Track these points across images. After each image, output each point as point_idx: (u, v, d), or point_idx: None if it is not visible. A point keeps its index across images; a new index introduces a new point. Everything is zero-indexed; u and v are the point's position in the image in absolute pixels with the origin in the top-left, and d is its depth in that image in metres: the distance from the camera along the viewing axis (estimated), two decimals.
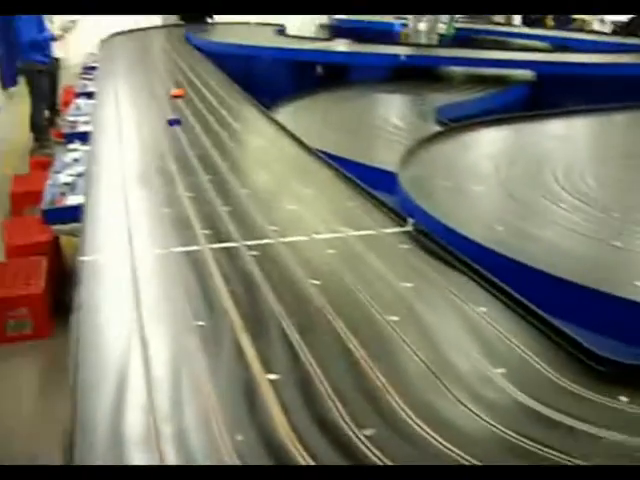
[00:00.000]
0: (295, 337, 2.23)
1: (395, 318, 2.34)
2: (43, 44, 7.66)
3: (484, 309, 2.42)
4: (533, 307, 2.34)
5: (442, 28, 10.96)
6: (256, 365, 2.06)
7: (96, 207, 3.66)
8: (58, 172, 4.70)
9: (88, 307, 2.50)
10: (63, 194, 4.19)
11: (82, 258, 3.02)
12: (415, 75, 8.66)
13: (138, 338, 2.23)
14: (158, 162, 4.45)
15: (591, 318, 2.62)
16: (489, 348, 2.18)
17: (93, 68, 9.38)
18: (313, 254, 2.95)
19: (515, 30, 14.07)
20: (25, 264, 4.59)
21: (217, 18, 14.38)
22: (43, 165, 6.09)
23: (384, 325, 2.31)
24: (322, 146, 5.06)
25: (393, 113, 6.71)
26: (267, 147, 4.76)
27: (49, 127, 8.00)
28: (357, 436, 1.75)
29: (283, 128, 5.19)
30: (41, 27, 7.66)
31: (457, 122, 6.09)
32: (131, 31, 13.08)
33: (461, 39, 12.26)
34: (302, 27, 15.88)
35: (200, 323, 2.30)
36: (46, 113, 8.20)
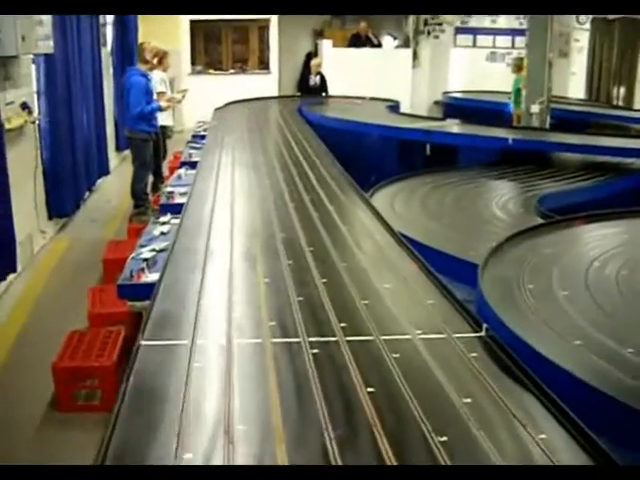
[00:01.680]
0: (334, 451, 2.10)
1: (444, 439, 2.19)
2: (149, 115, 7.85)
3: (544, 436, 2.23)
4: (597, 440, 2.15)
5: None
6: None
7: (168, 289, 3.63)
8: (143, 245, 4.72)
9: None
10: (142, 270, 4.19)
11: (142, 342, 2.98)
12: (526, 159, 8.49)
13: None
14: (243, 245, 4.43)
15: None
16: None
17: (202, 137, 9.57)
18: (375, 357, 2.82)
19: (632, 114, 13.66)
20: (103, 334, 4.61)
21: (332, 91, 14.52)
22: (139, 232, 6.16)
23: (431, 447, 2.16)
24: (413, 233, 4.97)
25: (493, 201, 6.54)
26: (356, 234, 4.67)
27: (149, 194, 8.16)
28: None
29: (376, 213, 5.11)
30: (149, 99, 7.86)
31: (559, 213, 5.90)
32: (246, 100, 13.37)
33: (578, 123, 12.05)
34: (417, 103, 16.01)
35: None
36: (150, 179, 8.37)
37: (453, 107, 14.82)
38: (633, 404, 2.54)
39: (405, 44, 16.76)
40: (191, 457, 2.11)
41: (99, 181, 9.78)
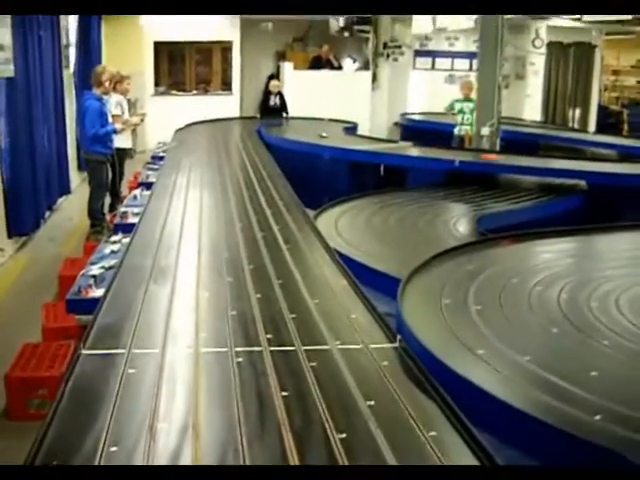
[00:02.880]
0: (244, 448, 2.38)
1: (343, 436, 2.47)
2: (104, 137, 8.11)
3: (434, 433, 2.52)
4: (478, 437, 2.44)
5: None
6: None
7: (111, 303, 3.90)
8: (93, 263, 4.98)
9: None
10: (90, 286, 4.45)
11: (82, 351, 3.25)
12: (473, 181, 8.80)
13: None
14: (189, 262, 4.70)
15: None
16: None
17: (161, 158, 9.83)
18: (293, 365, 3.10)
19: (581, 137, 14.08)
20: (54, 347, 4.86)
21: (293, 113, 14.83)
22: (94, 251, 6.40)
23: (330, 444, 2.44)
24: (350, 251, 5.26)
25: (433, 220, 6.85)
26: (296, 253, 4.95)
27: (106, 214, 8.39)
28: None
29: (317, 233, 5.41)
30: (103, 122, 8.13)
31: (497, 232, 6.22)
32: (206, 121, 13.63)
33: (529, 144, 12.42)
34: (377, 124, 16.35)
35: None
36: (107, 200, 8.60)
37: (410, 129, 15.15)
38: (518, 405, 2.84)
39: (365, 67, 17.13)
40: (116, 450, 2.38)
41: (60, 200, 9.99)
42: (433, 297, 4.00)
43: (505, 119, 14.62)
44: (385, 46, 16.68)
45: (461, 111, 12.33)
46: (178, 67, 17.37)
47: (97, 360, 3.19)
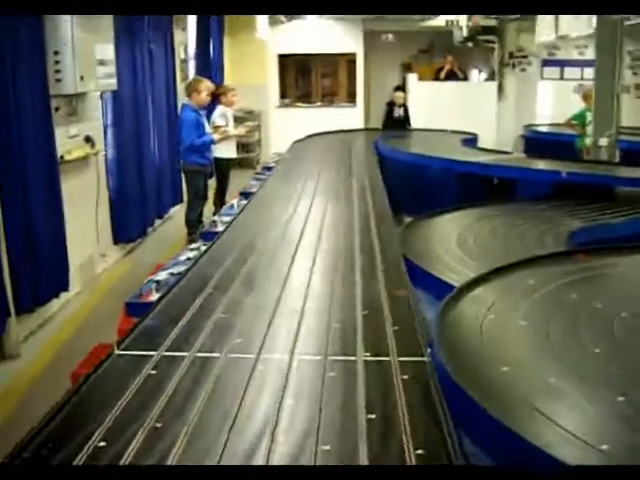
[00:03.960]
0: None
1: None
2: (200, 148, 8.33)
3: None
4: None
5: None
6: None
7: (163, 307, 4.02)
8: (165, 268, 5.11)
9: None
10: (151, 290, 4.57)
11: (116, 351, 3.36)
12: (586, 193, 8.50)
13: None
14: (250, 274, 4.76)
15: None
16: None
17: (270, 168, 9.98)
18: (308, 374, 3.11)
19: None
20: None
21: (417, 124, 14.80)
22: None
23: None
24: (422, 263, 5.20)
25: (524, 234, 6.66)
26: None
27: (203, 222, 8.60)
28: None
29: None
30: (200, 132, 8.35)
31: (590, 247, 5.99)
32: (326, 133, 13.74)
33: None
34: (503, 136, 16.11)
35: None
36: (205, 210, 8.81)
37: (534, 140, 14.86)
38: None
39: (491, 77, 16.91)
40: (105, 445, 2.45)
41: (173, 209, 10.30)
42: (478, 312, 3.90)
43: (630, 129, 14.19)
44: (511, 56, 16.42)
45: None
46: (304, 79, 17.63)
47: (125, 360, 3.29)
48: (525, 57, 16.36)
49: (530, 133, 15.43)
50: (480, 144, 12.63)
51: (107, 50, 6.96)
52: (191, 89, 8.39)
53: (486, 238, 6.37)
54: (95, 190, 7.44)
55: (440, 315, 3.65)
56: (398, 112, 14.83)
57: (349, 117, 16.30)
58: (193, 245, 5.82)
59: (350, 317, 3.84)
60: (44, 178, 6.03)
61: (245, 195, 8.14)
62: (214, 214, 9.13)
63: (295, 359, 3.26)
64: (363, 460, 2.37)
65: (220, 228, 6.46)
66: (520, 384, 2.98)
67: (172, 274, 4.89)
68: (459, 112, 15.20)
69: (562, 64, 16.80)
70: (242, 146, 15.19)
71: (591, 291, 4.40)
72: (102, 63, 6.87)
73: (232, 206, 7.50)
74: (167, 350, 3.40)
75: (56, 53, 6.29)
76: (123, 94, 8.01)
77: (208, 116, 9.42)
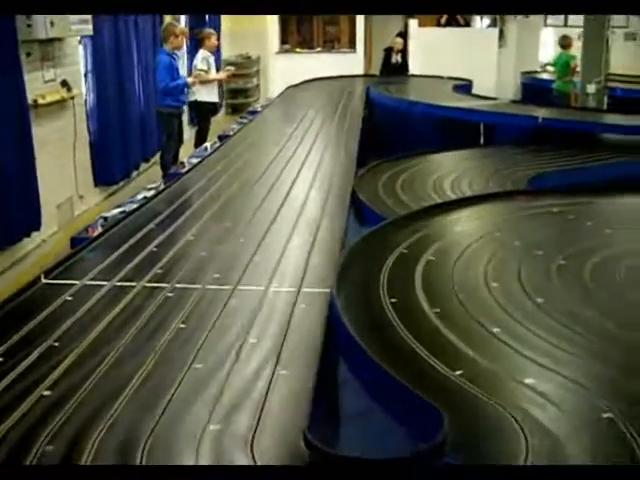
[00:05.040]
0: None
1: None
2: (173, 91, 8.49)
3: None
4: None
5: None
6: None
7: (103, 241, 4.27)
8: (119, 207, 5.33)
9: None
10: (97, 226, 4.79)
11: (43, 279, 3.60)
12: (565, 139, 8.55)
13: None
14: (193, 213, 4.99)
15: None
16: None
17: (254, 112, 10.14)
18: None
19: None
20: None
21: (415, 71, 14.82)
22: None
23: None
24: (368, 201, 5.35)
25: (484, 178, 6.78)
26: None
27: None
28: None
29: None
30: (175, 75, 8.52)
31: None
32: (322, 79, 13.77)
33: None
34: (504, 84, 16.06)
35: None
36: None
37: (531, 87, 14.86)
38: None
39: (494, 24, 16.81)
40: None
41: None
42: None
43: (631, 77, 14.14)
44: None
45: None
46: (306, 26, 17.58)
47: (48, 288, 3.54)
48: None
49: (528, 80, 15.40)
50: (477, 91, 12.63)
51: None
52: (167, 33, 8.53)
53: (437, 182, 6.45)
54: (72, 133, 7.61)
55: (349, 250, 3.86)
56: (396, 58, 14.88)
57: (350, 63, 16.28)
58: (151, 185, 6.01)
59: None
60: (12, 121, 6.21)
61: (222, 138, 8.32)
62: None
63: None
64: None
65: (186, 169, 6.67)
66: (405, 316, 3.16)
67: (123, 212, 5.09)
68: (460, 59, 15.13)
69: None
70: (239, 91, 15.35)
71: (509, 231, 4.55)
72: None
73: (205, 148, 7.69)
74: (90, 280, 3.63)
75: None
76: (103, 39, 8.15)
77: (192, 60, 9.61)
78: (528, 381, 2.53)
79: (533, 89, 14.81)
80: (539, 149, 8.23)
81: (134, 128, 9.15)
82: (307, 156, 6.93)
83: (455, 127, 9.65)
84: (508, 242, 4.25)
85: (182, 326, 3.05)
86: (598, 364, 2.74)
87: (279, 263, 3.87)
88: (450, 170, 6.90)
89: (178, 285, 3.54)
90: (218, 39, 10.12)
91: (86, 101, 8.12)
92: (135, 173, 9.48)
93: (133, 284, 3.55)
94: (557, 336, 2.90)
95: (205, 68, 9.38)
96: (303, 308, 3.26)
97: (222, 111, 14.50)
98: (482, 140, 9.68)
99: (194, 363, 2.69)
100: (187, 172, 6.30)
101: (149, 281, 3.60)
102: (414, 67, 15.04)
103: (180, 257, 4.00)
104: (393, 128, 10.50)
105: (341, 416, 2.76)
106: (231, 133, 8.41)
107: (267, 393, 2.46)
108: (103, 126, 8.31)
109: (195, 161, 6.90)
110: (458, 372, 2.56)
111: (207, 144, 7.77)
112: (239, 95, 15.28)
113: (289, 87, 12.71)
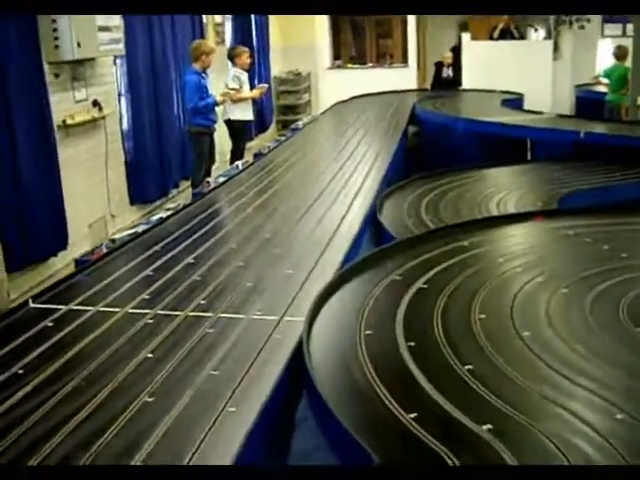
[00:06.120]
0: None
1: None
2: (203, 109, 8.49)
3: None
4: None
5: None
6: None
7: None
8: (133, 228, 5.30)
9: None
10: (106, 248, 4.75)
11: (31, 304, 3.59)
12: (608, 154, 8.34)
13: None
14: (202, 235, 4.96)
15: None
16: None
17: (295, 130, 10.09)
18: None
19: None
20: None
21: (469, 85, 14.66)
22: None
23: None
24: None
25: (514, 195, 6.63)
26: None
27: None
28: None
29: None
30: (203, 94, 8.53)
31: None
32: (371, 94, 13.70)
33: None
34: (560, 97, 15.77)
35: None
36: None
37: (585, 100, 14.54)
38: None
39: (549, 36, 16.51)
40: None
41: None
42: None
43: None
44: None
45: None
46: (358, 40, 17.51)
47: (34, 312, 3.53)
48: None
49: (582, 93, 15.08)
50: (532, 105, 12.37)
51: (111, 16, 7.16)
52: (198, 52, 8.52)
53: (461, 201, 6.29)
54: (104, 152, 7.68)
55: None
56: (446, 72, 14.76)
57: (401, 78, 16.15)
58: (170, 205, 5.99)
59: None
60: (37, 142, 6.28)
61: (258, 156, 8.28)
62: None
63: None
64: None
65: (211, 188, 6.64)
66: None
67: (134, 233, 5.06)
68: (513, 72, 14.90)
69: (625, 20, 16.28)
70: (290, 108, 15.35)
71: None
72: (104, 29, 7.08)
73: (237, 167, 7.64)
74: (76, 305, 3.61)
75: (54, 21, 6.53)
76: (137, 57, 8.23)
77: None
78: None
79: (587, 102, 14.47)
80: (578, 165, 8.04)
81: (172, 146, 9.20)
82: (335, 174, 6.86)
83: (498, 143, 9.51)
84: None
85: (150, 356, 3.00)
86: None
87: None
88: (479, 189, 6.77)
89: (160, 312, 3.49)
90: (251, 56, 10.08)
91: (121, 120, 8.19)
92: (175, 191, 9.52)
93: (117, 310, 3.52)
94: None
95: (237, 86, 9.38)
96: (277, 339, 3.18)
97: (272, 127, 14.57)
98: (529, 156, 9.51)
99: None
100: (209, 192, 6.27)
101: (134, 307, 3.56)
102: (467, 82, 14.83)
103: (174, 282, 3.95)
104: (437, 144, 10.40)
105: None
106: (266, 151, 8.37)
107: None
108: (138, 145, 8.38)
109: (221, 180, 6.86)
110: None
111: (239, 162, 7.72)
112: (289, 111, 15.28)
113: (336, 103, 12.68)
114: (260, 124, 13.06)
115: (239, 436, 2.33)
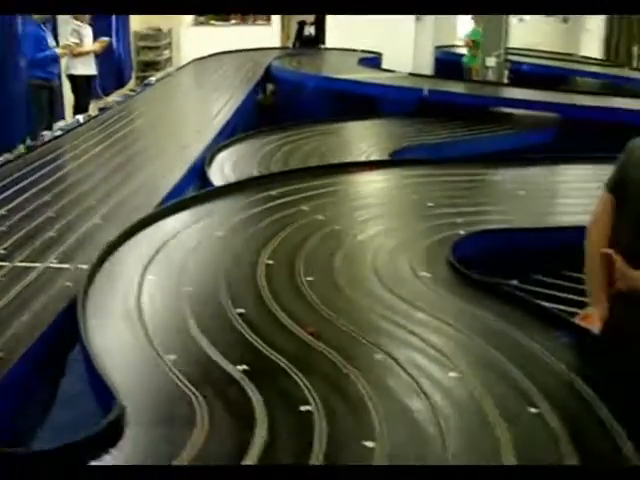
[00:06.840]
0: None
1: None
2: (42, 62, 8.30)
3: None
4: None
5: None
6: None
7: None
8: None
9: None
10: None
11: None
12: (450, 112, 8.53)
13: None
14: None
15: None
16: None
17: (147, 85, 9.95)
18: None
19: (607, 72, 13.43)
20: None
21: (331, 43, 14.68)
22: None
23: None
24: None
25: (346, 148, 6.76)
26: None
27: None
28: None
29: None
30: (43, 47, 8.33)
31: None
32: (229, 52, 13.54)
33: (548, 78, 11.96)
34: (421, 59, 15.96)
35: None
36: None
37: (446, 62, 14.76)
38: None
39: None
40: None
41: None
42: None
43: (545, 53, 14.18)
44: None
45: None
46: None
47: None
48: None
49: (442, 55, 15.31)
50: (393, 65, 12.43)
51: None
52: None
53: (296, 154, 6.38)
54: None
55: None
56: (309, 30, 14.75)
57: (265, 36, 16.03)
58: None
59: None
60: None
61: (103, 110, 8.13)
62: None
63: None
64: None
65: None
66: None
67: None
68: (376, 33, 14.97)
69: None
70: (150, 64, 15.09)
71: None
72: None
73: (77, 121, 7.50)
74: None
75: None
76: None
77: None
78: None
79: (447, 64, 14.72)
80: (420, 121, 8.25)
81: (16, 101, 8.92)
82: (175, 130, 6.86)
83: (348, 100, 9.62)
84: None
85: None
86: None
87: None
88: (316, 144, 6.88)
89: None
90: None
91: None
92: (22, 147, 9.26)
93: None
94: None
95: (76, 40, 9.18)
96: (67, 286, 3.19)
97: (132, 83, 14.27)
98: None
99: None
100: (42, 145, 6.19)
101: None
102: (332, 41, 14.82)
103: None
104: (291, 101, 10.45)
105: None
106: (112, 106, 8.26)
107: None
108: None
109: (57, 134, 6.75)
110: None
111: (80, 116, 7.58)
112: (149, 68, 14.99)
113: (194, 60, 12.53)
114: (118, 80, 12.77)
115: None
